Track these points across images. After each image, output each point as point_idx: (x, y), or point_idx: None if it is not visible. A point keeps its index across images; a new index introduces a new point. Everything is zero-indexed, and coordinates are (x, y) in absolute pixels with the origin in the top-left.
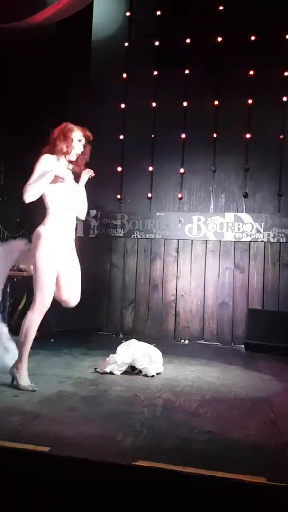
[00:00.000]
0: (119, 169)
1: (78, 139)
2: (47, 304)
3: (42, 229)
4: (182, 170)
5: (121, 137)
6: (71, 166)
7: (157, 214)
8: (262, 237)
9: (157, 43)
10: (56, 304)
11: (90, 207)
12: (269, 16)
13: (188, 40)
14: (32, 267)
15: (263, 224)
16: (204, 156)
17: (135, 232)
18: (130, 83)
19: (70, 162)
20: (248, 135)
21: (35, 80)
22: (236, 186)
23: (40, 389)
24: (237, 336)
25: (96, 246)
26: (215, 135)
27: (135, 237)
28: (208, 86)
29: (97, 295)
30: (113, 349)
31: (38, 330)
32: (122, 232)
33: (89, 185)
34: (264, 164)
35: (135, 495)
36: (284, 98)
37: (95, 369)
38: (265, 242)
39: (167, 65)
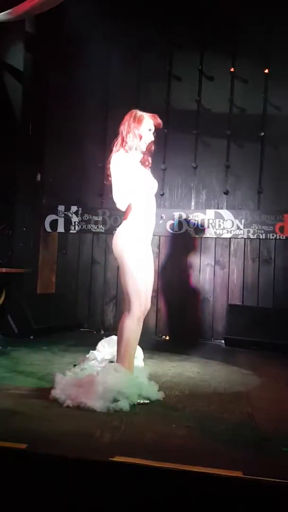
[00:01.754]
0: (100, 164)
1: (148, 128)
2: (144, 307)
3: (126, 231)
4: (163, 166)
5: (103, 132)
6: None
7: None
8: (242, 233)
9: (140, 36)
10: (35, 300)
11: (71, 203)
12: (249, 6)
13: (171, 35)
14: (120, 273)
15: (243, 220)
16: (185, 153)
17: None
18: (112, 79)
19: (141, 152)
20: (228, 132)
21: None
22: (217, 183)
23: (18, 386)
24: (217, 331)
25: (77, 242)
26: (196, 131)
27: None
28: (191, 82)
29: (78, 292)
30: (93, 346)
31: (17, 327)
32: (103, 228)
33: (70, 180)
34: (244, 161)
35: (112, 491)
36: (265, 95)
37: (75, 365)
38: (245, 238)
39: (148, 59)
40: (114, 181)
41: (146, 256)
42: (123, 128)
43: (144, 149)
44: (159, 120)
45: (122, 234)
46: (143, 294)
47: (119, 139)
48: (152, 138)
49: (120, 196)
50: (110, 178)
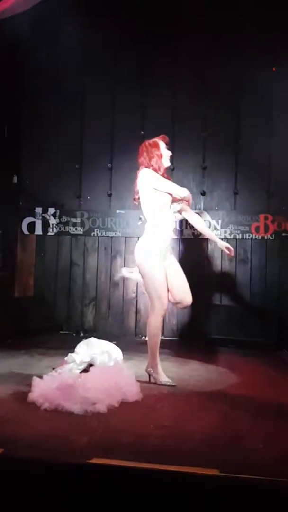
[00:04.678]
0: (78, 166)
1: (164, 147)
2: (165, 306)
3: (145, 242)
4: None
5: (81, 133)
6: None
7: (117, 211)
8: (219, 234)
9: (113, 42)
10: (13, 303)
11: (48, 205)
12: (216, 12)
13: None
14: (141, 278)
15: (220, 221)
16: None
17: (95, 230)
18: (88, 77)
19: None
20: (204, 134)
21: None
22: (194, 184)
23: None
24: (196, 331)
25: (55, 244)
26: (172, 133)
27: (95, 235)
28: (164, 85)
29: (57, 294)
30: (72, 348)
31: None
32: (82, 230)
33: (47, 182)
34: (220, 163)
35: (91, 493)
36: (238, 98)
37: (53, 368)
38: (222, 239)
39: (125, 65)
40: (150, 193)
41: (170, 259)
42: (143, 159)
43: (169, 164)
44: (167, 139)
45: (143, 244)
46: (163, 295)
47: (144, 165)
48: (170, 153)
49: (157, 207)
50: (137, 196)
